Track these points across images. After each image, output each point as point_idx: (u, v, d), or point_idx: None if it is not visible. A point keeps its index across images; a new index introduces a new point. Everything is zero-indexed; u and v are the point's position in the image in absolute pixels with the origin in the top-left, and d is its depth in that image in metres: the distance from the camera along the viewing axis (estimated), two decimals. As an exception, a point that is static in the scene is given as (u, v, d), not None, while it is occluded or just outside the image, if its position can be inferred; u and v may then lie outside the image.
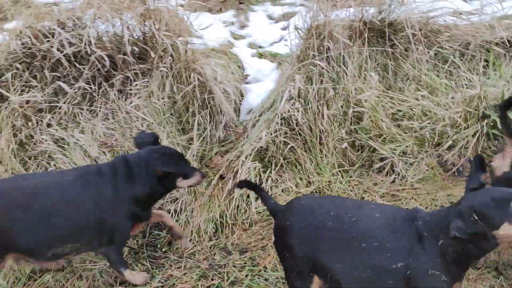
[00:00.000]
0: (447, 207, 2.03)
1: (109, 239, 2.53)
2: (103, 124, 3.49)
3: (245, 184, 2.53)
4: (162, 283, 2.70)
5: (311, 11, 3.65)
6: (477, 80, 3.60)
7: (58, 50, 3.53)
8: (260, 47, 5.78)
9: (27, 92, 3.58)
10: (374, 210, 2.02)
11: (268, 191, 3.22)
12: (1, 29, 5.33)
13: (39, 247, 2.42)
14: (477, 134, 3.49)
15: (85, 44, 3.51)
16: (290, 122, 3.38)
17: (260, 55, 5.48)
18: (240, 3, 7.63)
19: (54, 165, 3.30)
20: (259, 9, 7.30)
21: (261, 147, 3.30)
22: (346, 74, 3.58)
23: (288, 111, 3.34)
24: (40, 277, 2.73)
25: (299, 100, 3.42)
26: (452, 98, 3.55)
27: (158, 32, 3.57)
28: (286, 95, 3.36)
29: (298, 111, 3.31)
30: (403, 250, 1.84)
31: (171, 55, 3.60)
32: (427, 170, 3.38)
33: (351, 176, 3.36)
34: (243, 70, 5.18)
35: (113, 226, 2.51)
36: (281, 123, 3.41)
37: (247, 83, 4.92)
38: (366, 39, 4.01)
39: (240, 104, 4.34)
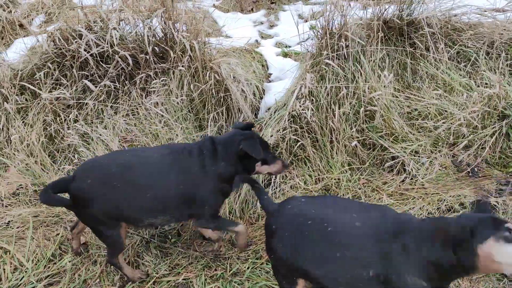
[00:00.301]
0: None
1: (200, 213, 2.66)
2: (124, 120, 3.69)
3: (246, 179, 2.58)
4: (169, 271, 2.84)
5: (326, 11, 3.68)
6: (496, 78, 3.50)
7: (85, 50, 3.78)
8: (286, 46, 5.85)
9: (57, 90, 3.85)
10: (356, 218, 2.03)
11: (277, 188, 3.31)
12: (45, 31, 5.72)
13: (138, 216, 2.61)
14: (495, 134, 3.42)
15: (109, 44, 3.74)
16: (300, 120, 3.43)
17: (285, 54, 5.55)
18: (272, 2, 7.72)
19: (78, 158, 3.54)
20: (290, 8, 7.36)
21: (270, 143, 3.37)
22: (361, 73, 3.59)
23: (299, 109, 3.39)
24: (59, 260, 2.95)
25: (310, 99, 3.47)
26: (470, 97, 3.47)
27: (177, 33, 3.73)
28: (296, 93, 3.42)
29: (308, 109, 3.36)
30: (378, 258, 1.87)
31: (189, 55, 3.75)
32: (440, 169, 3.34)
33: (361, 174, 3.37)
34: (267, 69, 5.27)
35: (203, 200, 2.64)
36: (292, 121, 3.48)
37: (270, 81, 5.01)
38: (384, 38, 4.01)
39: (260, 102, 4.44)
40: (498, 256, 1.68)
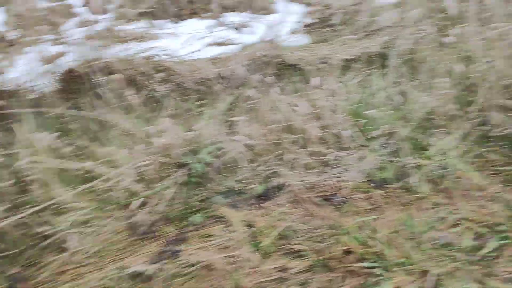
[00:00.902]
0: None
1: None
2: None
3: None
4: None
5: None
6: (169, 125, 3.34)
7: None
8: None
9: None
10: None
11: None
12: None
13: None
14: (175, 186, 3.22)
15: None
16: None
17: None
18: (11, 45, 6.85)
19: None
20: (34, 50, 6.57)
21: None
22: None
23: None
24: None
25: None
26: (139, 148, 3.23)
27: None
28: None
29: None
30: None
31: None
32: (112, 236, 2.99)
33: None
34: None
35: None
36: None
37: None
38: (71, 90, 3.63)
39: None
40: None
